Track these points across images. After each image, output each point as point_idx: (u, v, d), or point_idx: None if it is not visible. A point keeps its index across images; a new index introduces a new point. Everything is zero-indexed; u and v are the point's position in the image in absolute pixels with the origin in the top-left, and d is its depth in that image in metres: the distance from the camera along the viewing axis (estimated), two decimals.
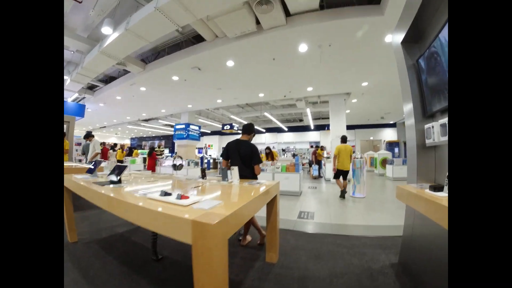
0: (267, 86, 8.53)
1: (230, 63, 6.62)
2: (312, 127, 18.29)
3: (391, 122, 18.31)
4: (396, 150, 18.35)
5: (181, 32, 6.39)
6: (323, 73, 7.24)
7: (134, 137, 30.52)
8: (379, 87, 8.60)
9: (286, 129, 19.70)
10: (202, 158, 16.64)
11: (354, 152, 6.24)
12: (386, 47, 5.45)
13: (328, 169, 9.33)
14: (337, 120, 9.22)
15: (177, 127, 14.44)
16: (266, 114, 12.66)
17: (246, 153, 2.91)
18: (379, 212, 4.54)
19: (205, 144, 21.26)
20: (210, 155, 17.64)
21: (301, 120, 18.44)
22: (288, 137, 20.20)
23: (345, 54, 5.92)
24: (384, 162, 11.64)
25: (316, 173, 10.00)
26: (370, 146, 21.40)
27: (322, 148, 11.12)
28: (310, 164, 11.90)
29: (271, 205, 2.45)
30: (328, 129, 13.30)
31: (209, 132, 24.10)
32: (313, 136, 19.10)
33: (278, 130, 20.32)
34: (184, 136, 13.84)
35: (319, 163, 10.73)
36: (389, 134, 18.83)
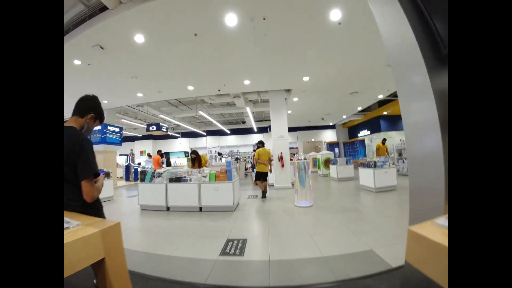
0: (195, 76, 6.99)
1: (139, 39, 4.89)
2: (255, 129, 17.42)
3: (331, 124, 18.85)
4: (337, 150, 18.99)
5: (86, 4, 4.56)
6: (260, 62, 6.14)
7: None
8: (321, 83, 8.03)
9: (228, 132, 18.36)
10: (127, 167, 13.94)
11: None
12: (329, 28, 4.61)
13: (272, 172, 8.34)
14: (278, 120, 8.30)
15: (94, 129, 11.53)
16: (201, 113, 11.06)
17: (68, 155, 1.39)
18: (335, 229, 3.50)
19: (131, 150, 18.22)
20: (138, 163, 14.99)
21: (243, 122, 17.38)
22: (232, 140, 18.91)
23: (283, 35, 4.88)
24: (327, 162, 11.35)
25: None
26: (311, 147, 21.82)
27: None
28: (253, 167, 10.78)
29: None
30: (270, 130, 12.53)
31: (140, 136, 20.99)
32: (257, 138, 18.21)
33: (220, 133, 18.84)
34: (99, 140, 11.08)
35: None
36: (329, 135, 19.37)
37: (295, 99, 9.78)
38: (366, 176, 6.65)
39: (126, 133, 20.65)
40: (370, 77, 7.70)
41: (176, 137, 19.99)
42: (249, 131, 18.25)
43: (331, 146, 18.63)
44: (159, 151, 10.76)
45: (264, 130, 17.47)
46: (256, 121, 16.66)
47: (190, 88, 8.01)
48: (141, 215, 5.18)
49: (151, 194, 5.55)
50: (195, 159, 6.34)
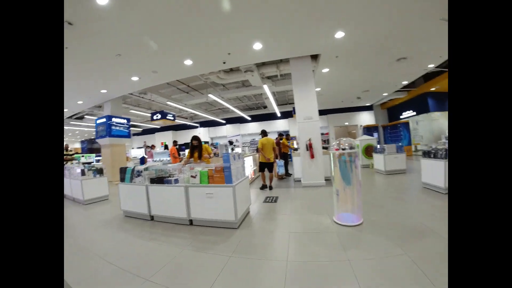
0: (190, 43, 5.28)
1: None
2: (278, 114, 15.45)
3: (368, 104, 16.12)
4: (375, 135, 16.27)
5: None
6: (275, 13, 4.19)
7: (84, 140, 25.55)
8: (359, 44, 5.81)
9: (249, 119, 16.65)
10: (142, 160, 13.02)
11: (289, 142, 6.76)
12: None
13: (298, 164, 6.48)
14: (304, 96, 6.28)
15: (98, 121, 10.65)
16: (211, 96, 9.44)
17: None
18: None
19: (144, 142, 17.46)
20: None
21: (265, 107, 15.48)
22: (253, 128, 17.15)
23: None
24: (369, 150, 9.11)
25: (282, 171, 7.09)
26: (345, 133, 19.26)
27: (288, 137, 8.24)
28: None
29: None
30: (295, 113, 10.51)
31: (158, 127, 20.28)
32: (281, 125, 16.30)
33: (240, 120, 17.20)
34: (104, 134, 10.12)
35: (285, 156, 7.86)
36: (366, 118, 16.65)
37: (325, 70, 7.62)
38: (433, 171, 4.49)
39: (145, 125, 20.14)
40: (422, 37, 5.39)
41: (195, 127, 18.86)
42: (271, 116, 16.32)
43: (368, 130, 15.96)
44: (174, 142, 9.53)
45: (289, 114, 15.42)
46: (279, 104, 14.68)
47: (188, 62, 6.32)
48: (118, 226, 3.81)
49: (133, 198, 4.11)
50: (195, 148, 4.74)
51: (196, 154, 4.68)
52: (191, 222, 3.58)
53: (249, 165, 7.35)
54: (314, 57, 6.88)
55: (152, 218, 3.97)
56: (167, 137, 19.64)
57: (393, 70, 8.33)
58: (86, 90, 8.51)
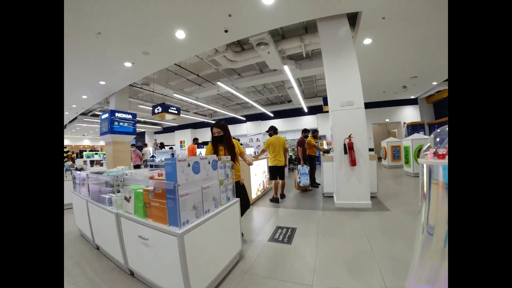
0: (178, 6, 3.65)
1: None
2: (305, 109, 13.32)
3: (412, 97, 13.30)
4: (421, 134, 13.33)
5: None
6: None
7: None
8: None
9: (271, 115, 14.76)
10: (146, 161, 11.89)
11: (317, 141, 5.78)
12: None
13: (330, 173, 4.55)
14: (340, 74, 4.24)
15: (103, 117, 9.65)
16: (221, 84, 7.76)
17: None
18: None
19: (155, 140, 16.47)
20: (153, 156, 12.73)
21: (289, 101, 13.48)
22: (276, 125, 15.18)
23: None
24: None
25: (305, 181, 5.17)
26: (384, 132, 16.45)
27: (315, 135, 6.22)
28: (295, 162, 7.16)
29: None
30: (326, 104, 8.41)
31: (176, 125, 19.36)
32: (309, 121, 14.12)
33: (262, 117, 15.41)
34: (106, 130, 9.06)
35: (311, 160, 5.89)
36: (410, 114, 13.78)
37: (367, 40, 5.49)
38: None
39: (166, 123, 19.40)
40: None
41: (207, 125, 17.52)
42: (297, 112, 14.23)
43: (413, 129, 13.10)
44: (195, 140, 8.46)
45: (318, 109, 13.23)
46: (306, 98, 12.58)
47: (181, 35, 4.71)
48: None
49: (79, 213, 2.68)
50: (219, 141, 2.81)
51: (222, 151, 2.77)
52: (132, 273, 1.93)
53: (262, 171, 5.53)
54: (352, 22, 4.84)
55: (97, 247, 2.50)
56: (186, 135, 18.63)
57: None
58: (84, 81, 7.55)
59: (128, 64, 6.11)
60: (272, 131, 5.08)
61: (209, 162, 1.82)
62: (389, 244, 2.46)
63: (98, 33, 4.39)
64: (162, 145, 8.30)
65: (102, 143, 27.12)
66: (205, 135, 17.38)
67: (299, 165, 5.37)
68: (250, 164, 3.07)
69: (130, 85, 9.20)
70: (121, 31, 4.40)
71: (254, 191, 4.79)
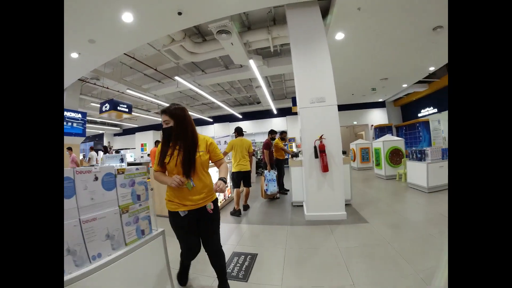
0: None
1: None
2: (274, 111, 12.89)
3: (380, 100, 13.66)
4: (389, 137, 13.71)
5: None
6: None
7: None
8: None
9: (240, 116, 14.09)
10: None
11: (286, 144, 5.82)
12: None
13: (299, 179, 4.01)
14: (310, 66, 3.70)
15: None
16: (180, 80, 6.88)
17: None
18: None
19: (108, 143, 14.95)
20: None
21: (258, 103, 12.96)
22: (245, 127, 14.51)
23: None
24: (394, 155, 6.61)
25: (273, 188, 4.56)
26: (351, 134, 16.77)
27: (283, 137, 5.66)
28: (262, 166, 6.64)
29: None
30: (295, 105, 8.00)
31: (136, 126, 17.76)
32: (278, 123, 13.70)
33: (230, 118, 14.65)
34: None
35: (279, 165, 5.32)
36: (377, 117, 14.15)
37: (339, 35, 5.11)
38: None
39: (126, 124, 17.66)
40: None
41: (156, 120, 16.28)
42: (267, 114, 13.75)
43: (380, 131, 13.44)
44: (157, 142, 7.31)
45: (288, 111, 12.90)
46: (275, 100, 12.17)
47: (128, 18, 3.89)
48: None
49: None
50: (173, 138, 1.61)
51: (174, 159, 1.58)
52: None
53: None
54: (325, 13, 4.41)
55: None
56: (148, 137, 17.07)
57: (424, 47, 5.92)
58: None
59: (74, 55, 5.27)
60: (237, 132, 4.49)
61: (95, 178, 1.07)
62: (376, 274, 1.91)
63: None
64: (106, 149, 7.07)
65: None
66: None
67: (265, 171, 4.75)
68: (221, 165, 1.82)
69: (82, 80, 7.93)
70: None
71: None
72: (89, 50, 5.10)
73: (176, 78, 6.77)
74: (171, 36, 5.35)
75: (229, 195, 5.00)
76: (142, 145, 17.41)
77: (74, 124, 8.14)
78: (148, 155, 9.64)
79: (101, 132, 18.86)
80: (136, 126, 17.84)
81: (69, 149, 7.62)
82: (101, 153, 6.84)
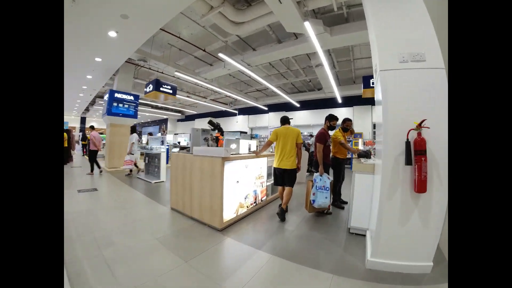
0: None
1: None
2: (338, 99, 10.87)
3: None
4: None
5: None
6: None
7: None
8: None
9: (297, 105, 12.60)
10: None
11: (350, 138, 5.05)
12: None
13: (365, 192, 2.52)
14: (396, 9, 2.10)
15: (105, 97, 8.70)
16: (224, 56, 5.90)
17: None
18: None
19: (163, 126, 15.44)
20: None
21: (319, 89, 11.18)
22: (303, 118, 12.96)
23: None
24: None
25: (322, 201, 3.15)
26: None
27: (347, 126, 4.02)
28: (312, 167, 5.14)
29: None
30: (368, 87, 6.13)
31: (196, 113, 18.22)
32: (343, 115, 11.59)
33: (286, 107, 13.32)
34: (105, 111, 8.06)
35: (337, 166, 3.81)
36: None
37: None
38: None
39: (188, 111, 18.45)
40: None
41: (234, 114, 15.94)
42: (329, 103, 11.81)
43: None
44: (91, 127, 7.62)
45: (355, 100, 10.75)
46: (341, 85, 10.17)
47: None
48: None
49: None
50: None
51: None
52: None
53: (257, 176, 3.64)
54: None
55: None
56: (205, 124, 17.42)
57: None
58: (79, 58, 6.81)
59: (112, 34, 5.16)
60: (282, 121, 3.60)
61: None
62: None
63: (72, 1, 3.84)
64: (133, 129, 6.84)
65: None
66: (225, 123, 15.90)
67: (316, 174, 3.37)
68: None
69: (133, 63, 8.03)
70: None
71: (231, 208, 2.99)
72: (125, 27, 4.87)
73: (220, 55, 5.86)
74: (208, 1, 4.42)
75: (263, 199, 3.84)
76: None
77: (126, 106, 8.33)
78: None
79: (165, 117, 20.33)
80: (195, 113, 18.45)
81: (91, 127, 7.88)
82: (145, 136, 6.73)
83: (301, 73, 9.19)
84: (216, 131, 3.44)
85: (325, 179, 3.24)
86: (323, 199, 3.16)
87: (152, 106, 17.09)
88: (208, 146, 3.17)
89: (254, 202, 3.52)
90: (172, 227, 3.00)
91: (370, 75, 6.34)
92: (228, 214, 2.90)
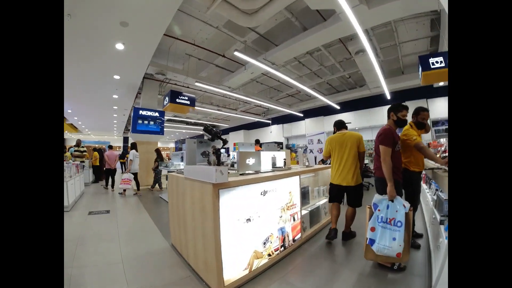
0: None
1: None
2: (387, 95, 9.05)
3: None
4: None
5: None
6: None
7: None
8: None
9: (337, 107, 11.05)
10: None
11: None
12: None
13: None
14: None
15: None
16: (239, 54, 4.95)
17: None
18: None
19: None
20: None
21: (361, 86, 9.57)
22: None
23: None
24: None
25: (388, 244, 1.87)
26: None
27: (421, 120, 2.60)
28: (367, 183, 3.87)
29: None
30: (426, 69, 4.55)
31: (228, 127, 17.76)
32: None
33: (324, 111, 11.88)
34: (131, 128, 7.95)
35: (410, 180, 2.44)
36: None
37: None
38: None
39: (220, 124, 18.21)
40: None
41: (267, 124, 14.98)
42: (374, 100, 9.99)
43: None
44: (257, 141, 6.91)
45: (406, 95, 8.83)
46: (387, 77, 8.36)
47: None
48: None
49: None
50: None
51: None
52: None
53: (281, 207, 2.47)
54: None
55: None
56: (239, 137, 16.79)
57: None
58: (97, 77, 6.87)
59: (120, 46, 4.94)
60: (336, 127, 3.11)
61: None
62: None
63: (68, 15, 3.69)
64: (133, 146, 6.64)
65: (171, 145, 28.78)
66: (259, 136, 15.04)
67: (380, 197, 2.08)
68: None
69: (160, 81, 7.83)
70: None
71: (239, 261, 1.90)
72: (129, 36, 4.58)
73: (236, 53, 5.00)
74: None
75: (296, 238, 2.64)
76: (234, 144, 17.38)
77: (151, 123, 8.05)
78: None
79: (201, 133, 20.49)
80: (227, 126, 18.06)
81: (110, 147, 8.16)
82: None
83: (338, 68, 7.83)
84: (218, 142, 2.43)
85: (396, 206, 1.95)
86: (389, 242, 1.87)
87: (188, 123, 17.24)
88: (210, 163, 2.20)
89: (282, 246, 2.36)
90: (158, 276, 2.11)
91: (426, 55, 4.78)
92: (235, 270, 1.82)
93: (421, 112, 2.54)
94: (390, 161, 2.11)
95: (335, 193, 2.87)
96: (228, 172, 2.12)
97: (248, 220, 1.94)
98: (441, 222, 2.07)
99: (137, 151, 6.60)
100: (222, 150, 2.40)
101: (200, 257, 1.95)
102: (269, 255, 2.18)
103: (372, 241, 1.98)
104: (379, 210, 1.98)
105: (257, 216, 2.04)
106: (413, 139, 2.35)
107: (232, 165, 3.38)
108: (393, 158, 2.16)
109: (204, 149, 2.36)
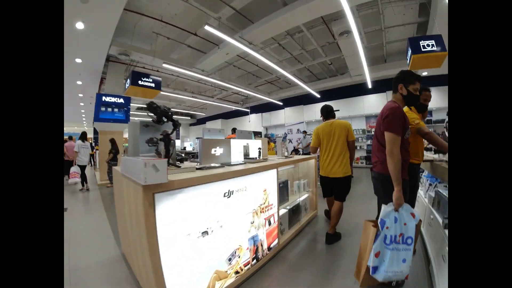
0: None
1: None
2: (368, 84, 8.82)
3: None
4: None
5: None
6: None
7: None
8: None
9: (317, 95, 10.71)
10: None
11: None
12: None
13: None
14: None
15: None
16: (210, 29, 4.29)
17: None
18: None
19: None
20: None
21: (342, 74, 9.25)
22: None
23: None
24: None
25: (397, 269, 1.42)
26: None
27: (423, 101, 2.09)
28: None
29: None
30: (416, 51, 4.20)
31: (205, 116, 16.93)
32: (374, 103, 9.53)
33: (305, 99, 11.51)
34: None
35: (414, 175, 1.94)
36: None
37: None
38: None
39: (198, 113, 17.29)
40: None
41: (246, 113, 14.39)
42: (356, 90, 9.78)
43: None
44: (234, 130, 5.67)
45: (389, 85, 8.63)
46: (371, 65, 8.03)
47: None
48: None
49: None
50: None
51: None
52: None
53: (260, 205, 1.98)
54: None
55: None
56: (216, 126, 16.04)
57: None
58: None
59: (80, 25, 4.38)
60: (323, 114, 2.84)
61: None
62: None
63: None
64: (82, 136, 5.94)
65: None
66: (237, 124, 14.42)
67: (385, 207, 1.52)
68: None
69: (126, 64, 6.88)
70: None
71: (193, 284, 1.39)
72: (89, 14, 4.06)
73: (207, 28, 4.31)
74: None
75: (271, 246, 2.18)
76: None
77: (116, 110, 7.13)
78: None
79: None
80: (204, 115, 17.19)
81: (70, 137, 7.43)
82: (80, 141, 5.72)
83: (320, 53, 7.38)
84: (168, 125, 1.81)
85: (404, 218, 1.49)
86: (398, 266, 1.43)
87: None
88: (159, 154, 1.63)
89: (254, 258, 1.88)
90: None
91: (416, 37, 4.43)
92: None
93: (422, 92, 2.10)
94: (400, 155, 1.51)
95: (326, 186, 2.77)
96: (179, 167, 1.56)
97: (205, 233, 1.41)
98: (446, 227, 1.69)
99: (84, 141, 5.79)
100: (178, 140, 1.80)
101: (144, 276, 1.42)
102: (237, 272, 1.68)
103: (375, 269, 1.51)
104: (387, 227, 1.47)
105: (219, 226, 1.51)
106: (415, 123, 1.92)
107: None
108: (403, 146, 1.61)
109: (151, 135, 1.76)
